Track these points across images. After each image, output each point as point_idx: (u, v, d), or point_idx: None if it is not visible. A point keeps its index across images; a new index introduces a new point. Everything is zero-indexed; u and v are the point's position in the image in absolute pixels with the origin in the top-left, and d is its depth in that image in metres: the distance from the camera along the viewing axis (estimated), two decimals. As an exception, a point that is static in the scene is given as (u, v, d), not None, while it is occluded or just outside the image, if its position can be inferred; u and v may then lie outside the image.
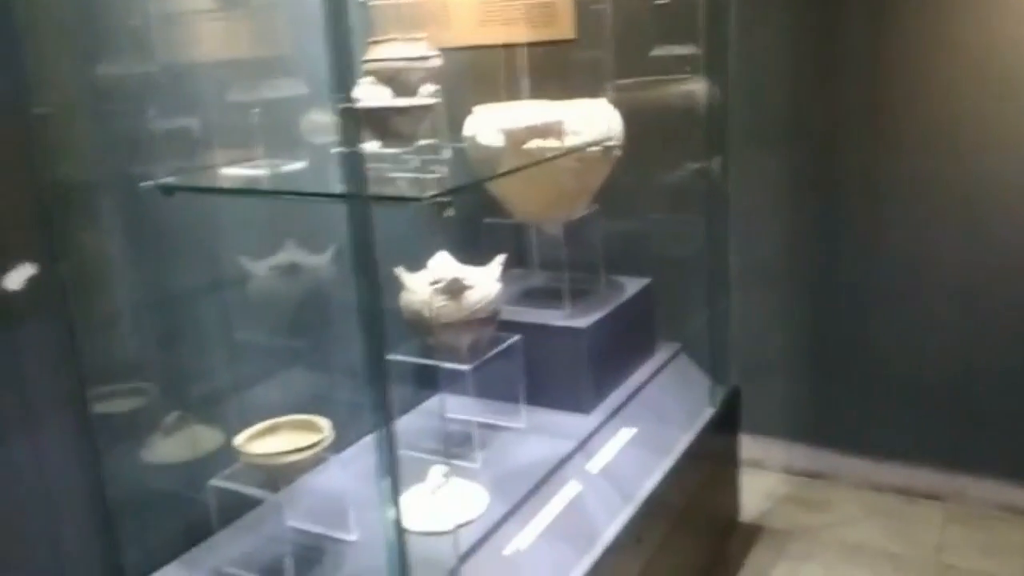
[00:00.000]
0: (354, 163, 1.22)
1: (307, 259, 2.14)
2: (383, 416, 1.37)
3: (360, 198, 1.23)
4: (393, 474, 1.39)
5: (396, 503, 1.39)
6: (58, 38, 1.64)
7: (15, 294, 1.57)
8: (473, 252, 2.22)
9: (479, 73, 2.61)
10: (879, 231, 2.93)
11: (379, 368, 1.30)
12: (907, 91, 2.79)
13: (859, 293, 3.00)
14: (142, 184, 1.73)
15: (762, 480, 3.17)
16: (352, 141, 1.21)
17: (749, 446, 3.08)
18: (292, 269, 2.11)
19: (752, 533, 2.89)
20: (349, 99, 1.19)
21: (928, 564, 2.68)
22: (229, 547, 1.86)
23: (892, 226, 2.90)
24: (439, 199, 1.45)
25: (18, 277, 1.57)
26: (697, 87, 2.65)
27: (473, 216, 2.54)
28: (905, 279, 2.92)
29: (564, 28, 2.98)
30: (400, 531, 1.41)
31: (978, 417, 2.90)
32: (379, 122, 1.58)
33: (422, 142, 1.55)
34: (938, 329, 2.90)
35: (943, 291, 2.87)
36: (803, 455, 3.21)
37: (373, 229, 1.32)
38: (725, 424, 2.78)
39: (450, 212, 1.46)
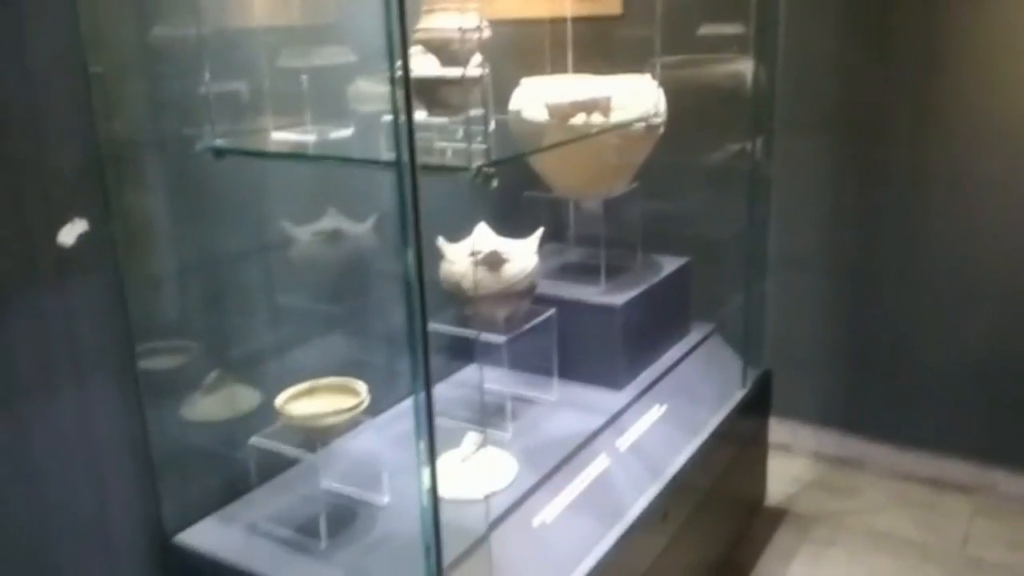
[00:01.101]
0: (406, 132, 1.23)
1: (350, 226, 2.16)
2: (422, 384, 1.39)
3: (411, 166, 1.24)
4: (430, 441, 1.42)
5: (433, 470, 1.42)
6: (113, -1, 1.67)
7: (69, 250, 1.61)
8: (510, 225, 2.23)
9: (523, 46, 2.61)
10: (920, 220, 2.89)
11: (421, 337, 1.32)
12: (959, 81, 2.74)
13: (896, 281, 2.98)
14: (196, 146, 1.76)
15: (790, 464, 3.18)
16: (404, 110, 1.22)
17: (778, 430, 3.08)
18: (335, 235, 2.14)
19: (777, 516, 2.90)
20: (405, 68, 1.19)
21: (953, 556, 2.67)
22: (265, 504, 1.91)
23: (933, 216, 2.87)
24: (486, 170, 1.46)
25: (72, 233, 1.61)
26: (743, 68, 2.62)
27: (511, 189, 2.54)
28: (945, 270, 2.89)
29: (611, 3, 2.97)
30: (435, 498, 1.44)
31: (1012, 410, 2.87)
32: (428, 92, 1.59)
33: (469, 113, 1.56)
34: (975, 321, 2.87)
35: (982, 283, 2.84)
36: (832, 441, 3.21)
37: (420, 199, 1.33)
38: (755, 406, 2.78)
39: (495, 184, 1.47)
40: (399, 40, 1.21)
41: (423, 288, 1.34)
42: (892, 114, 2.87)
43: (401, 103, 1.23)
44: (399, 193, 1.30)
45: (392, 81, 1.23)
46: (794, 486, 3.06)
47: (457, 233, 2.10)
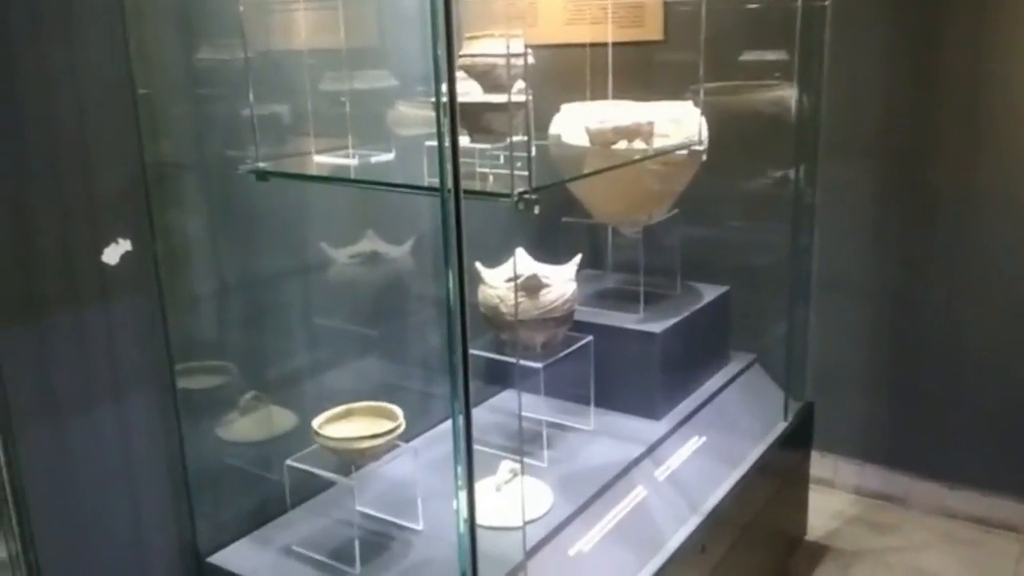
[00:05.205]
0: (451, 158, 1.22)
1: (387, 249, 2.16)
2: (461, 410, 1.37)
3: (455, 193, 1.23)
4: (468, 467, 1.40)
5: (471, 495, 1.40)
6: (161, 22, 1.69)
7: (112, 269, 1.62)
8: (548, 250, 2.22)
9: (563, 71, 2.61)
10: (968, 248, 2.82)
11: (463, 362, 1.31)
12: (1011, 103, 2.68)
13: (943, 313, 2.90)
14: (239, 168, 1.77)
15: (831, 499, 3.10)
16: (450, 136, 1.21)
17: (820, 463, 3.02)
18: (372, 258, 2.14)
19: (817, 552, 2.82)
20: (451, 94, 1.19)
21: (1003, 598, 2.59)
22: (299, 527, 1.90)
23: (982, 243, 2.80)
24: (528, 196, 1.45)
25: (116, 253, 1.63)
26: (787, 94, 2.59)
27: (548, 214, 2.53)
28: (994, 302, 2.81)
29: (652, 29, 2.96)
30: (473, 524, 1.42)
31: (1065, 449, 2.78)
32: (471, 117, 1.59)
33: (512, 139, 1.55)
34: (1026, 355, 2.79)
35: (1035, 315, 2.76)
36: (875, 476, 3.12)
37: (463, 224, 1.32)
38: (797, 439, 2.72)
39: (537, 210, 1.46)
40: (446, 66, 1.20)
41: (465, 314, 1.32)
42: (940, 138, 2.81)
43: (447, 129, 1.22)
44: (443, 219, 1.29)
45: (438, 107, 1.23)
46: (835, 522, 2.99)
47: (493, 258, 2.09)
